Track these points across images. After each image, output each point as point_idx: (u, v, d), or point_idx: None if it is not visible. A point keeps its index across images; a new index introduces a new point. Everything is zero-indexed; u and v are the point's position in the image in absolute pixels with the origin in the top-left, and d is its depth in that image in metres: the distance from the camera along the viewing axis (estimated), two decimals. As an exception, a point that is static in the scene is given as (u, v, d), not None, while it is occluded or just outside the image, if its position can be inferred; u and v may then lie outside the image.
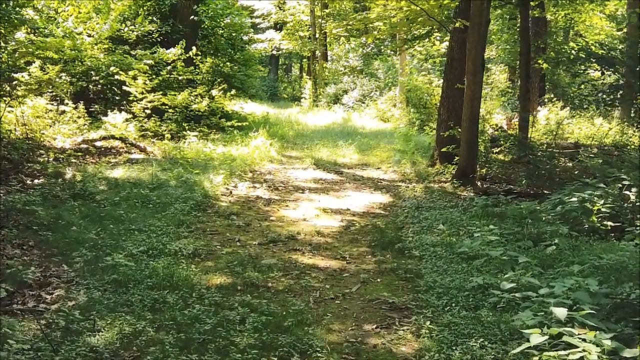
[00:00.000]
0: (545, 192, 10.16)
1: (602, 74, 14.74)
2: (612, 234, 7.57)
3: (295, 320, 5.09)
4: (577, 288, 5.00)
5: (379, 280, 6.28)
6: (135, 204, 8.26)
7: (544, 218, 7.99)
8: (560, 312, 4.41)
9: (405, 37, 16.73)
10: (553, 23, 22.45)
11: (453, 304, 5.43)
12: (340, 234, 7.97)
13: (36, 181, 9.04)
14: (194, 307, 5.26)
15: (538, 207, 8.25)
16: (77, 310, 5.05)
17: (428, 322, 5.11)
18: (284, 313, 5.27)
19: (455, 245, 6.99)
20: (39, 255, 6.38)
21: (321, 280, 6.22)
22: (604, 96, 12.26)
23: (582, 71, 15.09)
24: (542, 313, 4.73)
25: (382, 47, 30.21)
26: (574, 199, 7.96)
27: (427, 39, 15.33)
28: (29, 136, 11.61)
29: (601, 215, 7.72)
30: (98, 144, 12.28)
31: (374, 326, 5.17)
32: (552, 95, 20.10)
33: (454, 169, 11.32)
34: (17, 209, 7.37)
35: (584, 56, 11.77)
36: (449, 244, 7.09)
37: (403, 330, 5.07)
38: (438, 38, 18.33)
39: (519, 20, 22.48)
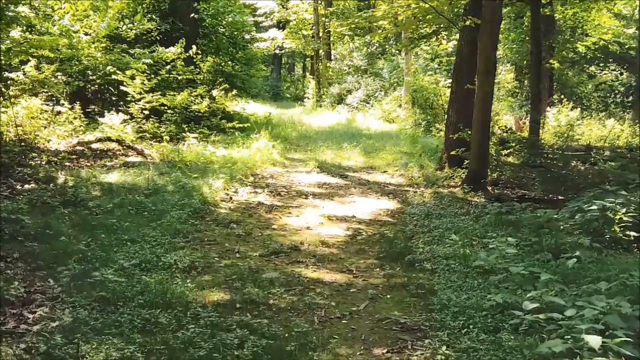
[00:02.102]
0: (560, 197, 9.72)
1: (621, 74, 14.25)
2: (635, 245, 7.12)
3: (298, 344, 4.64)
4: (608, 310, 4.55)
5: (388, 296, 5.83)
6: (129, 212, 7.81)
7: (562, 227, 7.54)
8: (594, 341, 3.96)
9: (411, 36, 16.27)
10: (562, 22, 21.98)
11: (470, 326, 4.97)
12: (346, 244, 7.52)
13: (26, 186, 8.60)
14: (188, 329, 4.81)
15: (555, 216, 7.77)
16: (60, 332, 4.61)
17: (444, 347, 4.65)
18: (286, 335, 4.82)
19: (469, 258, 6.53)
20: (24, 268, 5.93)
21: (326, 296, 5.77)
22: (622, 98, 11.79)
23: (599, 71, 14.64)
24: (571, 339, 4.27)
25: (387, 46, 29.75)
26: (594, 207, 7.49)
27: (434, 38, 14.87)
28: (22, 138, 11.19)
29: (623, 224, 7.26)
30: (94, 146, 11.86)
31: (385, 350, 4.71)
32: (562, 96, 19.60)
33: (463, 173, 10.86)
34: (3, 218, 6.92)
35: (600, 55, 11.29)
36: (462, 256, 6.62)
37: (417, 355, 4.62)
38: (445, 37, 17.87)
39: (526, 18, 22.11)
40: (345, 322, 5.24)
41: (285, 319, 5.19)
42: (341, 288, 6.02)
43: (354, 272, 6.49)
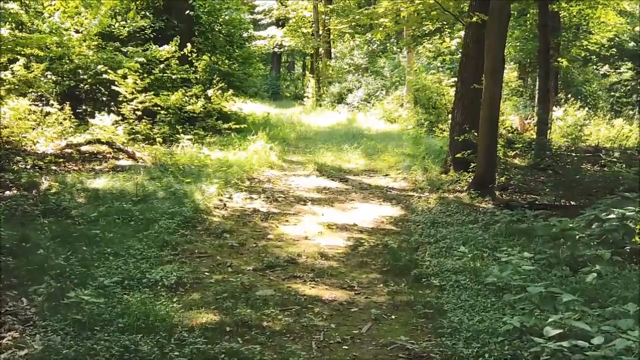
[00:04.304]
0: (572, 203, 9.23)
1: (638, 73, 13.74)
2: (657, 257, 6.62)
3: (293, 376, 4.15)
4: (640, 340, 4.05)
5: (393, 317, 5.32)
6: (114, 221, 7.30)
7: (577, 237, 7.03)
8: (632, 380, 3.46)
9: (413, 33, 15.78)
10: (567, 19, 21.47)
11: (485, 354, 4.46)
12: (347, 255, 7.01)
13: (7, 193, 8.10)
14: (172, 358, 4.33)
15: (571, 225, 7.25)
16: (28, 362, 4.13)
17: (457, 380, 4.16)
18: (281, 365, 4.33)
19: (480, 273, 6.02)
20: (-4, 286, 5.44)
21: (325, 317, 5.27)
22: (638, 97, 11.31)
23: (614, 70, 14.13)
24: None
25: (388, 44, 29.21)
26: (612, 215, 6.98)
27: (437, 35, 14.35)
28: (7, 140, 10.67)
29: (644, 235, 6.75)
30: (83, 148, 11.33)
31: (390, 383, 4.22)
32: (569, 95, 19.09)
33: (470, 177, 10.36)
34: (-23, 229, 6.43)
35: (615, 53, 10.79)
36: (473, 271, 6.12)
37: (426, 390, 4.13)
38: (448, 34, 17.37)
39: (530, 15, 21.59)
40: (346, 347, 4.74)
41: (279, 344, 4.69)
42: (341, 307, 5.52)
43: (356, 288, 5.99)
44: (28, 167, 9.52)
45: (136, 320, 4.80)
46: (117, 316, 4.86)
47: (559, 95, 19.98)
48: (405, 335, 4.92)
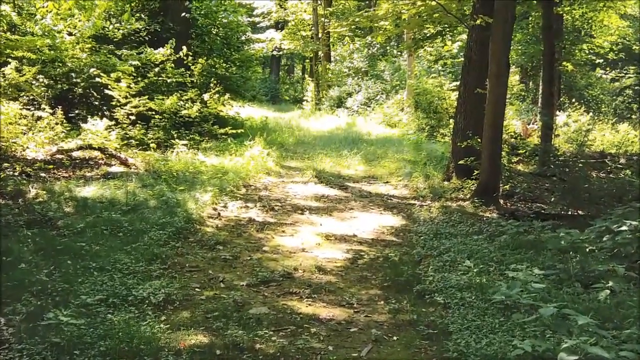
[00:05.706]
0: (580, 212, 8.89)
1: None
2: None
3: (287, 408, 3.82)
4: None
5: (395, 338, 4.98)
6: (102, 232, 6.95)
7: (588, 250, 6.69)
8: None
9: (414, 36, 15.46)
10: (569, 23, 21.17)
11: (495, 383, 4.14)
12: (346, 269, 6.68)
13: (-8, 202, 7.76)
14: (156, 386, 3.99)
15: (581, 237, 6.90)
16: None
17: (465, 413, 3.82)
18: (274, 394, 3.99)
19: (487, 289, 5.67)
20: (-27, 304, 5.10)
21: (322, 338, 4.93)
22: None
23: (623, 74, 13.83)
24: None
25: (388, 47, 28.90)
26: (624, 227, 6.64)
27: (439, 39, 14.02)
28: (-4, 146, 10.34)
29: (659, 248, 6.42)
30: (74, 154, 10.99)
31: (392, 414, 3.89)
32: (572, 99, 18.78)
33: (473, 184, 10.03)
34: (-45, 242, 6.10)
35: (625, 57, 10.48)
36: (479, 287, 5.77)
37: (431, 423, 3.79)
38: (450, 38, 17.06)
39: (532, 18, 21.30)
40: (345, 373, 4.41)
41: (273, 370, 4.37)
42: (340, 327, 5.18)
43: (355, 305, 5.66)
44: (16, 174, 9.18)
45: (119, 343, 4.48)
46: (99, 338, 4.53)
47: (561, 99, 19.68)
48: (408, 360, 4.59)
